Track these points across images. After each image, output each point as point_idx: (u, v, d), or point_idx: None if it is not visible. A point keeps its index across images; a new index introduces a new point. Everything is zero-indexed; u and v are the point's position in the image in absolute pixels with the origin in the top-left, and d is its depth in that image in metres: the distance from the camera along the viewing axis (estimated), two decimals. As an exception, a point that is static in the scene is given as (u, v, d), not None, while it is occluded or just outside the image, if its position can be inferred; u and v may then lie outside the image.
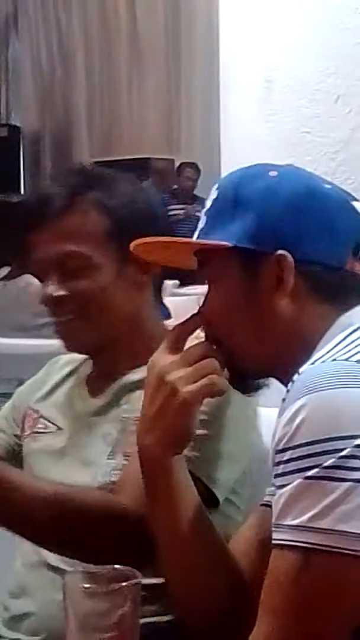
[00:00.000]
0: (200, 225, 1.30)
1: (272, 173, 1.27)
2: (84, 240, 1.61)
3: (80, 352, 1.72)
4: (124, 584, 1.12)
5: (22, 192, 10.14)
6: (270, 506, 1.24)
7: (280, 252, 1.22)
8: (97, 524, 1.42)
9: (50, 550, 1.49)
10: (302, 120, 2.19)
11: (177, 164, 9.18)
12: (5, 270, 3.84)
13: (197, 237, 1.29)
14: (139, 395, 1.38)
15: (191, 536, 1.28)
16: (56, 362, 1.82)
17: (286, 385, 1.18)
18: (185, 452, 1.40)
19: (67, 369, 1.78)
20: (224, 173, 2.36)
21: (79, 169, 1.73)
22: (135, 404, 1.49)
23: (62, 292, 1.62)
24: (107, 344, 1.63)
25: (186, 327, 1.31)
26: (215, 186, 1.30)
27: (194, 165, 8.86)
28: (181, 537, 1.28)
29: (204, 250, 1.28)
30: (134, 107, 10.21)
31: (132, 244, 1.33)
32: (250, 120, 2.31)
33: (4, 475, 1.40)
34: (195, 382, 1.24)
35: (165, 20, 9.89)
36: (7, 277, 3.83)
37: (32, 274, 3.92)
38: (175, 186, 9.07)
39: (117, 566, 1.15)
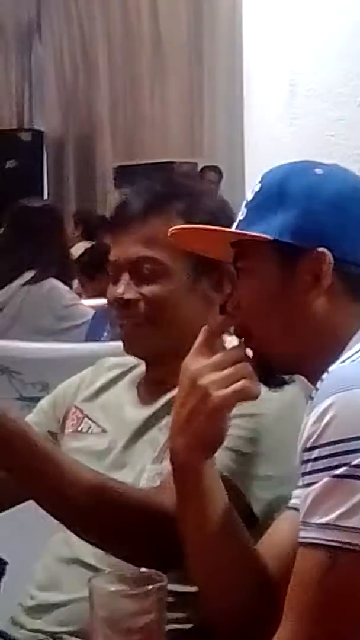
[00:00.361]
0: (240, 216, 1.30)
1: (319, 170, 1.28)
2: (163, 247, 1.62)
3: (139, 357, 1.72)
4: (150, 587, 1.12)
5: (45, 196, 10.16)
6: (297, 509, 1.24)
7: (321, 249, 1.22)
8: (135, 519, 1.43)
9: (86, 539, 1.49)
10: (325, 123, 2.19)
11: (200, 167, 9.18)
12: (30, 274, 3.85)
13: (237, 229, 1.29)
14: None
15: (219, 538, 1.28)
16: (104, 363, 1.82)
17: (314, 384, 1.18)
18: (232, 466, 1.41)
19: (116, 372, 1.78)
20: (247, 176, 2.36)
21: (168, 178, 1.75)
22: None
23: (133, 295, 1.64)
24: (168, 352, 1.62)
25: (217, 328, 1.31)
26: (259, 179, 1.30)
27: (216, 169, 8.86)
28: (209, 538, 1.28)
29: (243, 241, 1.28)
30: (157, 112, 10.22)
31: (171, 230, 1.34)
32: (274, 124, 2.31)
33: (54, 457, 1.42)
34: (227, 386, 1.24)
35: (188, 24, 9.89)
36: (31, 281, 3.84)
37: (56, 277, 3.94)
38: (198, 190, 9.07)
39: (143, 569, 1.16)
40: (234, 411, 1.38)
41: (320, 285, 1.23)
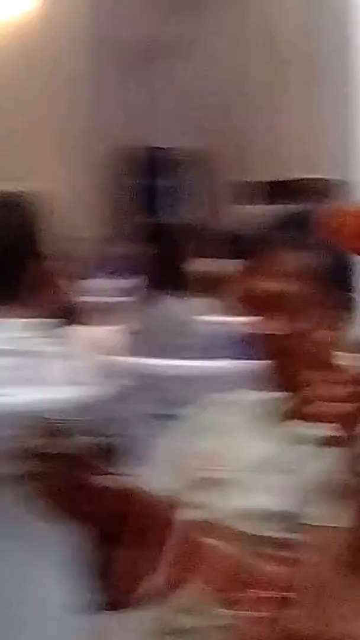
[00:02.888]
0: None
1: None
2: (301, 280, 1.64)
3: (278, 391, 1.71)
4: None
5: (180, 214, 10.24)
6: None
7: None
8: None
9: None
10: None
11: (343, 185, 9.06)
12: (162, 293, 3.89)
13: None
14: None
15: None
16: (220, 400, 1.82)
17: None
18: None
19: (241, 407, 1.78)
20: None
21: (302, 211, 1.80)
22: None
23: (274, 330, 1.64)
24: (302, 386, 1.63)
25: None
26: None
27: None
28: None
29: None
30: (304, 127, 10.15)
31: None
32: None
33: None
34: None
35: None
36: (168, 301, 3.89)
37: (187, 296, 3.96)
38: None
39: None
40: None
41: None
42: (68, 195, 10.13)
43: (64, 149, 10.51)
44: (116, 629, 1.65)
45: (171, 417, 1.90)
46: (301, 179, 9.07)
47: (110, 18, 10.94)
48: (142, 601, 1.58)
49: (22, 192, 2.22)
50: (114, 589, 1.55)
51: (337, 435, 1.25)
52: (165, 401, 2.83)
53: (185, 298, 3.98)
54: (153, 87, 11.39)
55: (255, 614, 1.07)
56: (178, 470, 1.76)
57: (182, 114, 11.30)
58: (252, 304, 1.69)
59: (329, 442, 1.45)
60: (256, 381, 1.73)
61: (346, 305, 1.70)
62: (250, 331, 1.71)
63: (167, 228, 4.12)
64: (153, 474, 1.75)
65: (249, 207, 8.84)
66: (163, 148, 11.11)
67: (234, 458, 1.68)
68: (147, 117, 11.42)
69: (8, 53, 9.93)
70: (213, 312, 4.59)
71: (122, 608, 1.62)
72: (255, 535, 1.56)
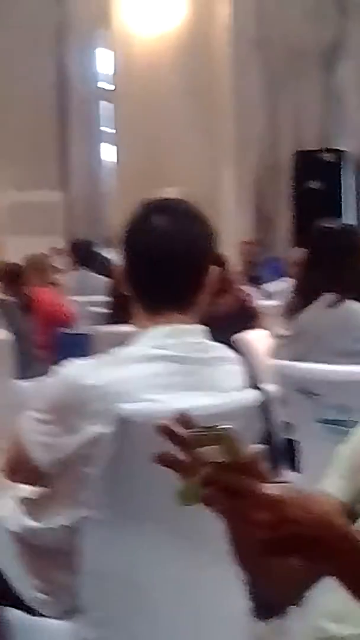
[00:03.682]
0: None
1: None
2: None
3: None
4: None
5: (346, 217, 10.14)
6: None
7: None
8: None
9: None
10: None
11: None
12: (329, 296, 3.85)
13: None
14: None
15: None
16: None
17: None
18: None
19: None
20: None
21: None
22: None
23: None
24: None
25: None
26: None
27: None
28: None
29: None
30: None
31: None
32: None
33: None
34: None
35: None
36: (331, 304, 3.84)
37: (355, 299, 3.90)
38: None
39: None
40: None
41: None
42: (231, 200, 10.21)
43: (227, 156, 10.57)
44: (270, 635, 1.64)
45: (348, 422, 1.86)
46: None
47: (270, 22, 10.99)
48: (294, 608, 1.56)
49: (195, 199, 2.24)
50: (272, 597, 1.54)
51: None
52: (341, 407, 2.80)
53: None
54: (322, 91, 11.34)
55: None
56: (355, 477, 1.74)
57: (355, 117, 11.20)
58: None
59: None
60: None
61: None
62: None
63: (329, 232, 4.04)
64: (328, 480, 1.74)
65: None
66: (334, 150, 11.03)
67: None
68: (318, 122, 11.38)
69: (176, 65, 10.05)
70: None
71: (277, 615, 1.60)
72: None
